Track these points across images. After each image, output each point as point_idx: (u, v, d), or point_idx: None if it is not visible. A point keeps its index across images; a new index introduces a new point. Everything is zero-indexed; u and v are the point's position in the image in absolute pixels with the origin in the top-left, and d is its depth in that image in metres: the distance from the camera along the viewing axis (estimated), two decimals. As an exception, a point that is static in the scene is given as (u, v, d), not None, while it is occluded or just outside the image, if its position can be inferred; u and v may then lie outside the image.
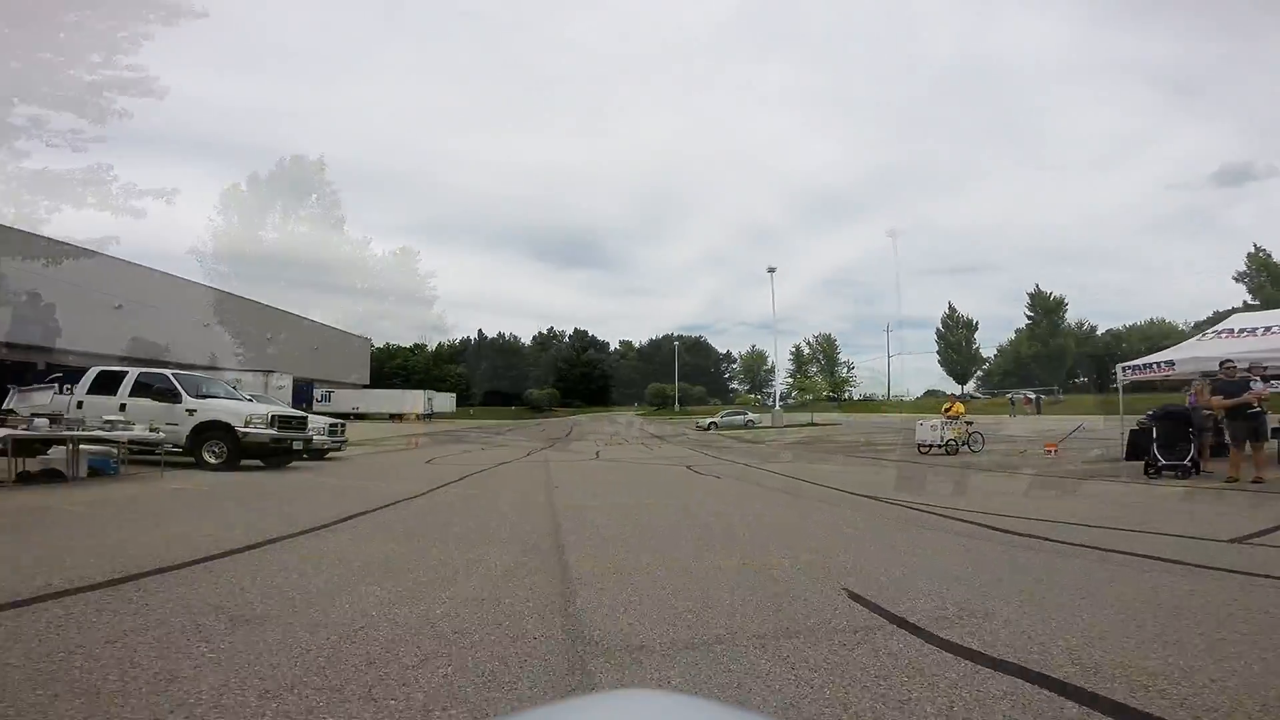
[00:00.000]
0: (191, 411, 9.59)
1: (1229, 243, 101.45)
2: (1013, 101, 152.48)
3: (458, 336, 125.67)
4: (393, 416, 52.88)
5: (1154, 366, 10.97)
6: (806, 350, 75.41)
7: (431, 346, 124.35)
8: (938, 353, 56.23)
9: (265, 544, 3.99)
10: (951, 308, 58.29)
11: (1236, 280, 41.80)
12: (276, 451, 9.88)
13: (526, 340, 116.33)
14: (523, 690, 1.82)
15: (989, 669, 1.93)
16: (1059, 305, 46.64)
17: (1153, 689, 1.76)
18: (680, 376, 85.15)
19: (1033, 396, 38.06)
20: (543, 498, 6.91)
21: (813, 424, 34.46)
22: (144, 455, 8.92)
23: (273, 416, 9.86)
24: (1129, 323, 52.33)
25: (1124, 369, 11.53)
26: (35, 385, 8.98)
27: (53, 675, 1.83)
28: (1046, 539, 4.23)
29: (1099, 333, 58.54)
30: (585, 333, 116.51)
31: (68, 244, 32.11)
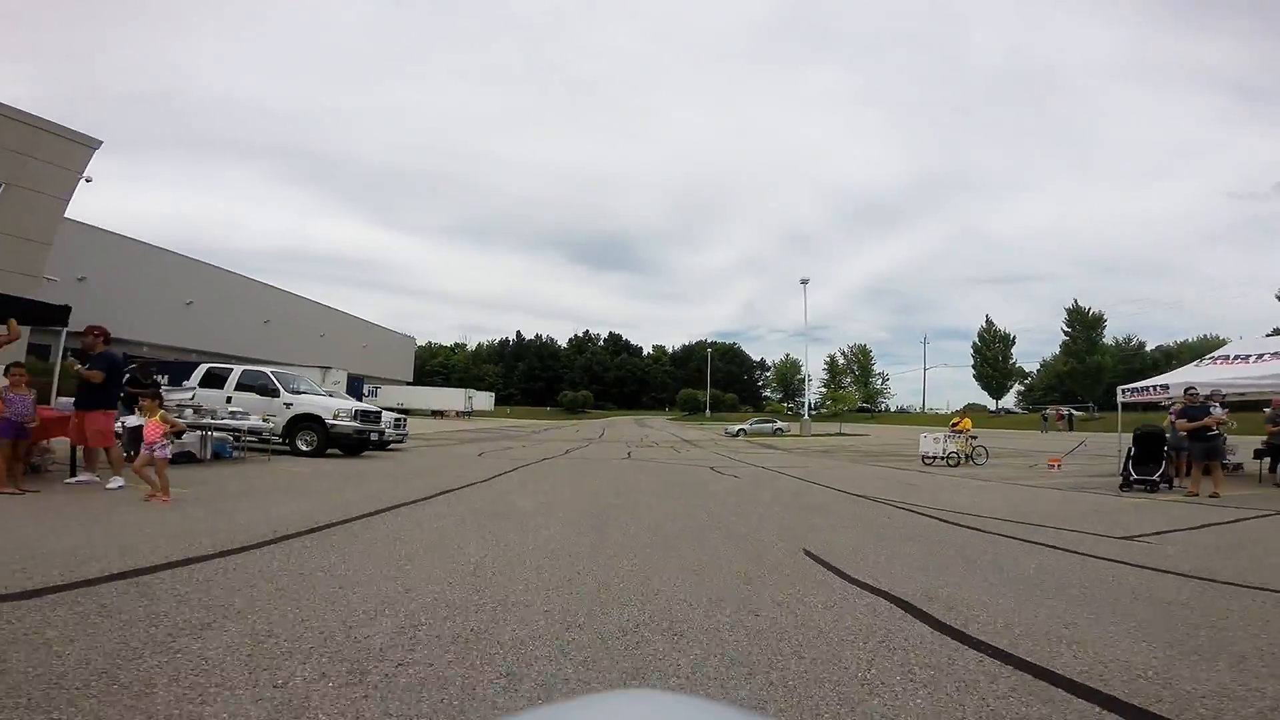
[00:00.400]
0: (288, 405, 11.40)
1: None
2: (1065, 107, 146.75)
3: (496, 337, 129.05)
4: (434, 413, 55.46)
5: (1150, 389, 11.75)
6: (841, 360, 75.37)
7: (471, 346, 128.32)
8: (973, 366, 55.77)
9: (396, 507, 5.53)
10: (989, 321, 57.74)
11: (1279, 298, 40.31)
12: (357, 442, 11.62)
13: (563, 342, 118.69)
14: (575, 588, 3.23)
15: (878, 597, 3.23)
16: (1097, 321, 45.86)
17: (979, 616, 3.04)
18: (713, 383, 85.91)
19: (1065, 413, 37.81)
20: (584, 485, 8.34)
21: (840, 434, 35.13)
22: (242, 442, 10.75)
23: (356, 411, 11.62)
24: (1181, 338, 50.98)
25: (1124, 390, 12.32)
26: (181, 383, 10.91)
27: (345, 578, 3.33)
28: (975, 527, 5.43)
29: (1148, 348, 57.06)
30: (619, 336, 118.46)
31: (143, 242, 35.06)
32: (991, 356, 53.94)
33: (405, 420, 15.25)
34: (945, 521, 5.82)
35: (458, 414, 59.74)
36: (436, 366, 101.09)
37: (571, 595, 3.00)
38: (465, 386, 74.24)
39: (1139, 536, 5.15)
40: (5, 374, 5.50)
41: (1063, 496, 8.37)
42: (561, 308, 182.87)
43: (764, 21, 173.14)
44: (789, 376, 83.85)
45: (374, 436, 11.95)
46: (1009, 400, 56.01)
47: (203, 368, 12.62)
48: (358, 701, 1.76)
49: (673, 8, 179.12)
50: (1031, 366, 58.20)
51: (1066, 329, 47.30)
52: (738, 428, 37.98)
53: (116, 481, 5.38)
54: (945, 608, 2.94)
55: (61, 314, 6.68)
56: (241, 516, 4.76)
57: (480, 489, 7.56)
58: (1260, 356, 11.02)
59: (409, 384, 69.31)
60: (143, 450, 5.35)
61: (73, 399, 5.96)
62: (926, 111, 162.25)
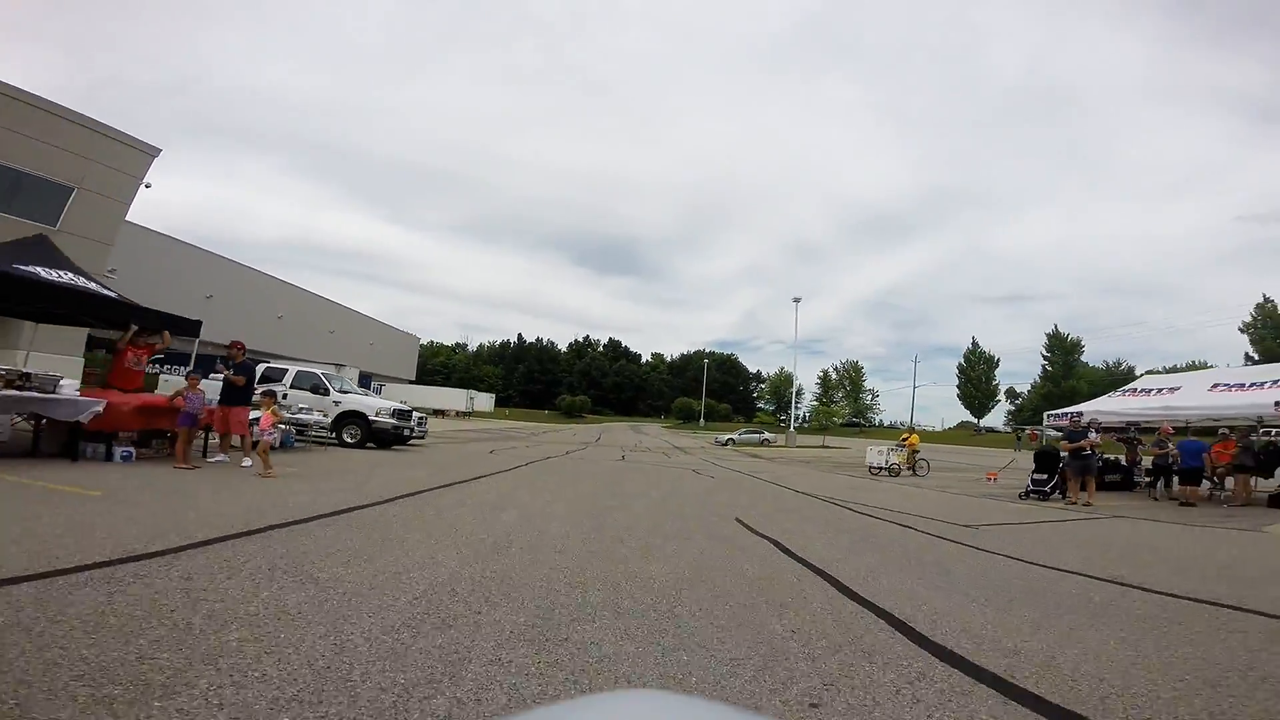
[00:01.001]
0: (337, 403, 13.48)
1: None
2: (1078, 124, 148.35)
3: (497, 338, 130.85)
4: (436, 412, 57.40)
5: (1069, 416, 13.88)
6: (834, 376, 77.61)
7: (472, 347, 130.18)
8: (957, 386, 58.10)
9: (453, 484, 7.62)
10: (975, 343, 60.14)
11: (1241, 331, 42.36)
12: (393, 437, 13.69)
13: (563, 346, 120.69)
14: (580, 534, 5.32)
15: (773, 545, 5.32)
16: (1075, 346, 48.10)
17: (850, 570, 5.14)
18: (709, 393, 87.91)
19: (1039, 433, 39.89)
20: (585, 479, 10.43)
21: (824, 446, 37.23)
22: (306, 434, 12.82)
23: (394, 410, 13.70)
24: (1173, 362, 52.90)
25: (1048, 415, 14.45)
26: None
27: (451, 519, 5.44)
28: (870, 515, 7.52)
29: (1137, 372, 59.20)
30: (619, 343, 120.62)
31: (165, 234, 36.90)
32: (975, 377, 56.27)
33: (426, 419, 17.32)
34: (851, 510, 7.92)
35: (458, 414, 61.73)
36: (438, 365, 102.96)
37: (584, 528, 5.10)
38: (465, 387, 76.29)
39: (980, 526, 7.25)
40: (185, 378, 7.58)
41: (964, 501, 10.47)
42: (563, 310, 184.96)
43: (784, 31, 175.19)
44: (782, 389, 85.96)
45: (406, 432, 14.03)
46: (998, 419, 58.28)
47: (260, 367, 14.66)
48: (491, 567, 3.85)
49: (695, 14, 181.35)
50: (1023, 386, 60.77)
51: (1045, 353, 49.64)
52: (727, 437, 40.08)
53: (248, 461, 7.41)
54: (813, 555, 5.03)
55: (195, 327, 8.75)
56: (341, 486, 6.84)
57: (509, 474, 9.65)
58: (1161, 390, 13.20)
59: (411, 382, 71.16)
60: (256, 434, 7.41)
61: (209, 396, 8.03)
62: (938, 125, 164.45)
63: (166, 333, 8.09)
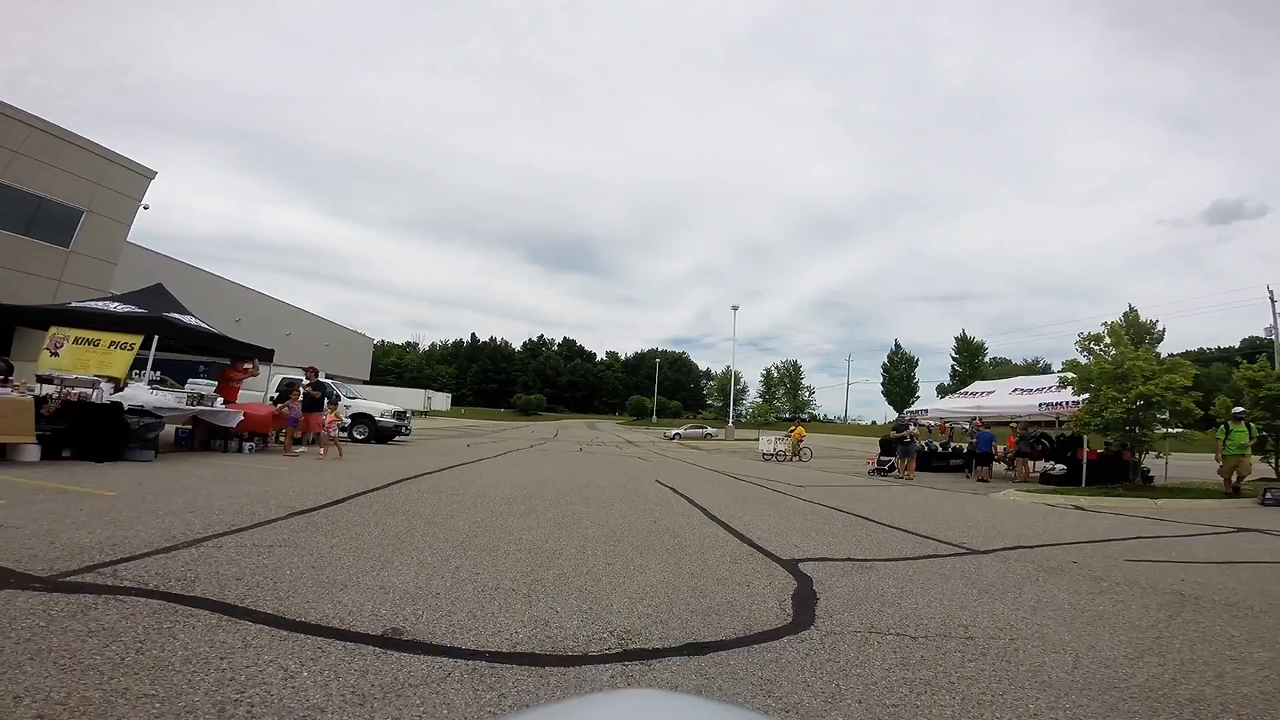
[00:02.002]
0: (347, 406, 16.64)
1: (1212, 281, 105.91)
2: (1017, 131, 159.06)
3: (450, 336, 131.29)
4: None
5: (916, 412, 18.48)
6: (776, 374, 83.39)
7: (424, 345, 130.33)
8: (882, 385, 64.77)
9: (457, 465, 11.18)
10: (897, 344, 67.12)
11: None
12: (392, 433, 16.96)
13: (517, 345, 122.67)
14: (554, 491, 9.07)
15: (673, 491, 9.19)
16: (980, 349, 54.89)
17: (719, 505, 9.06)
18: (661, 390, 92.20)
19: (949, 427, 46.05)
20: (555, 462, 14.09)
21: (756, 439, 41.87)
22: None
23: (393, 411, 16.98)
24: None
25: (907, 412, 19.03)
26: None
27: (471, 483, 9.11)
28: (749, 481, 11.54)
29: (1054, 369, 66.34)
30: (573, 342, 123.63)
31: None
32: (898, 376, 62.88)
33: (411, 417, 20.53)
34: (734, 478, 11.93)
35: (414, 413, 63.68)
36: (389, 365, 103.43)
37: (564, 485, 8.83)
38: (418, 386, 77.95)
39: (810, 487, 11.36)
40: (289, 395, 10.82)
41: (819, 474, 14.66)
42: (515, 307, 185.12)
43: (743, 35, 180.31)
44: (728, 387, 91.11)
45: (403, 430, 17.33)
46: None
47: (278, 378, 17.59)
48: (524, 494, 7.55)
49: (656, 15, 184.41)
50: (927, 387, 67.70)
51: (955, 355, 56.56)
52: (674, 432, 44.27)
53: (322, 450, 10.72)
54: (695, 495, 8.92)
55: (270, 355, 11.91)
56: (382, 468, 10.31)
57: (497, 460, 13.23)
58: (980, 394, 17.92)
59: (365, 383, 72.44)
60: (324, 432, 10.73)
61: (271, 403, 11.26)
62: (886, 130, 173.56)
63: (256, 361, 11.30)
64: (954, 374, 53.45)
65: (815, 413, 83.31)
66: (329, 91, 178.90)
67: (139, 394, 8.12)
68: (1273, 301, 46.17)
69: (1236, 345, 68.99)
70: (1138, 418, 11.08)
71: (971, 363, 53.54)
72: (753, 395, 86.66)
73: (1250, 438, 10.81)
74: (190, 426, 9.59)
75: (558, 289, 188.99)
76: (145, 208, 24.78)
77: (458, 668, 2.10)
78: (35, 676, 1.80)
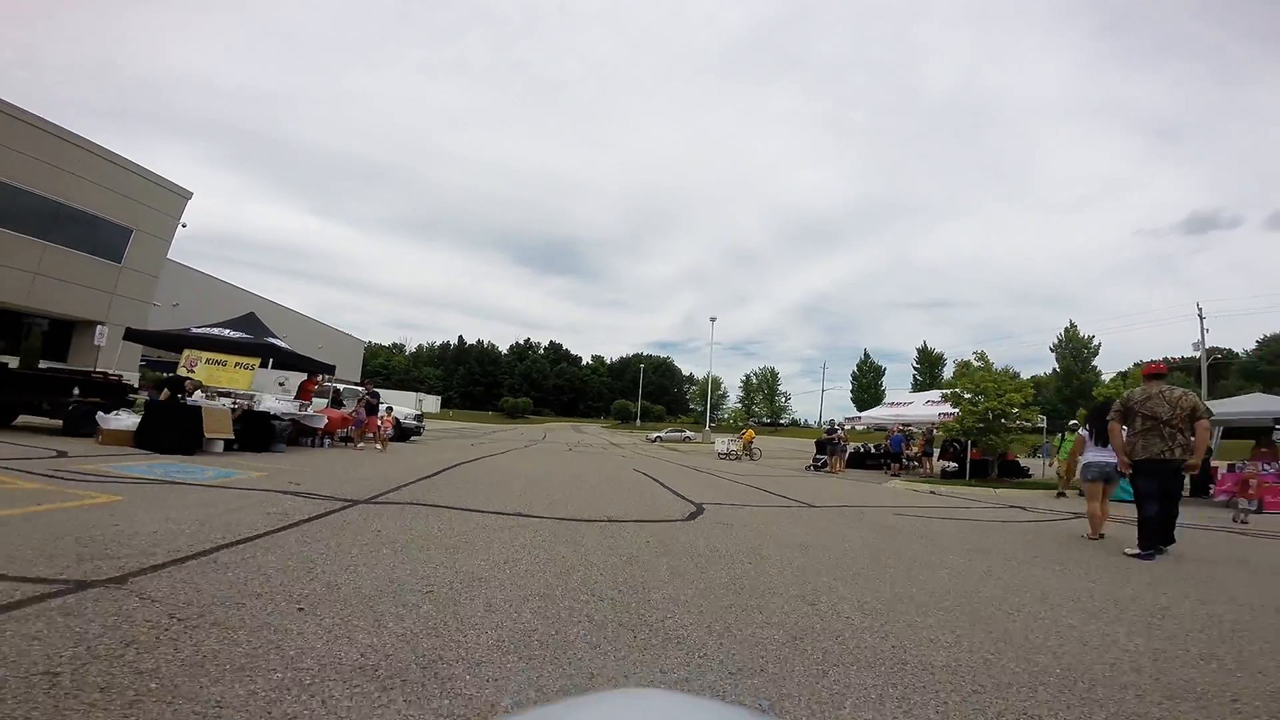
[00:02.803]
0: (390, 410, 19.96)
1: (1187, 290, 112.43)
2: (1002, 140, 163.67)
3: (436, 339, 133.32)
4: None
5: (854, 418, 22.28)
6: (755, 381, 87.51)
7: (411, 347, 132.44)
8: (851, 392, 69.33)
9: (480, 459, 14.65)
10: (866, 354, 71.89)
11: (1051, 350, 54.28)
12: (411, 433, 20.33)
13: (504, 348, 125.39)
14: (561, 475, 12.61)
15: (648, 478, 12.76)
16: (939, 360, 59.31)
17: (681, 486, 12.65)
18: (645, 395, 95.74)
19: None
20: (550, 458, 17.56)
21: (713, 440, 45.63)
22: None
23: (415, 415, 20.36)
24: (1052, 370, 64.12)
25: (845, 417, 22.82)
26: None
27: (501, 469, 12.64)
28: (704, 471, 15.16)
29: (1023, 376, 71.07)
30: (559, 346, 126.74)
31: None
32: (866, 384, 67.31)
33: (423, 420, 23.89)
34: (696, 469, 15.54)
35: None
36: (377, 367, 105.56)
37: (564, 472, 12.34)
38: (406, 388, 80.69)
39: (741, 475, 15.00)
40: (358, 402, 14.18)
41: (763, 469, 18.34)
42: (501, 309, 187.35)
43: (737, 40, 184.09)
44: (710, 392, 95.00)
45: (421, 430, 20.72)
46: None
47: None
48: (540, 473, 11.06)
49: (651, 19, 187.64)
50: (892, 394, 72.12)
51: (916, 365, 60.98)
52: (655, 435, 47.89)
53: (378, 446, 14.08)
54: (662, 478, 12.48)
55: (332, 369, 15.24)
56: (428, 459, 13.72)
57: (505, 455, 16.67)
58: (902, 404, 21.77)
59: (358, 385, 74.81)
60: (380, 431, 14.11)
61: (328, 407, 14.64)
62: (874, 137, 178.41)
63: (322, 375, 14.64)
64: (915, 383, 57.73)
65: (796, 417, 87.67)
66: (320, 90, 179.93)
67: (270, 403, 11.46)
68: (1201, 318, 51.15)
69: (1193, 355, 73.79)
70: (991, 425, 14.87)
71: (931, 372, 57.95)
72: (733, 400, 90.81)
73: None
74: (290, 427, 12.93)
75: (544, 291, 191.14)
76: (183, 225, 27.85)
77: (547, 523, 5.62)
78: (393, 529, 5.28)
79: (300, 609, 2.47)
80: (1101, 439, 6.39)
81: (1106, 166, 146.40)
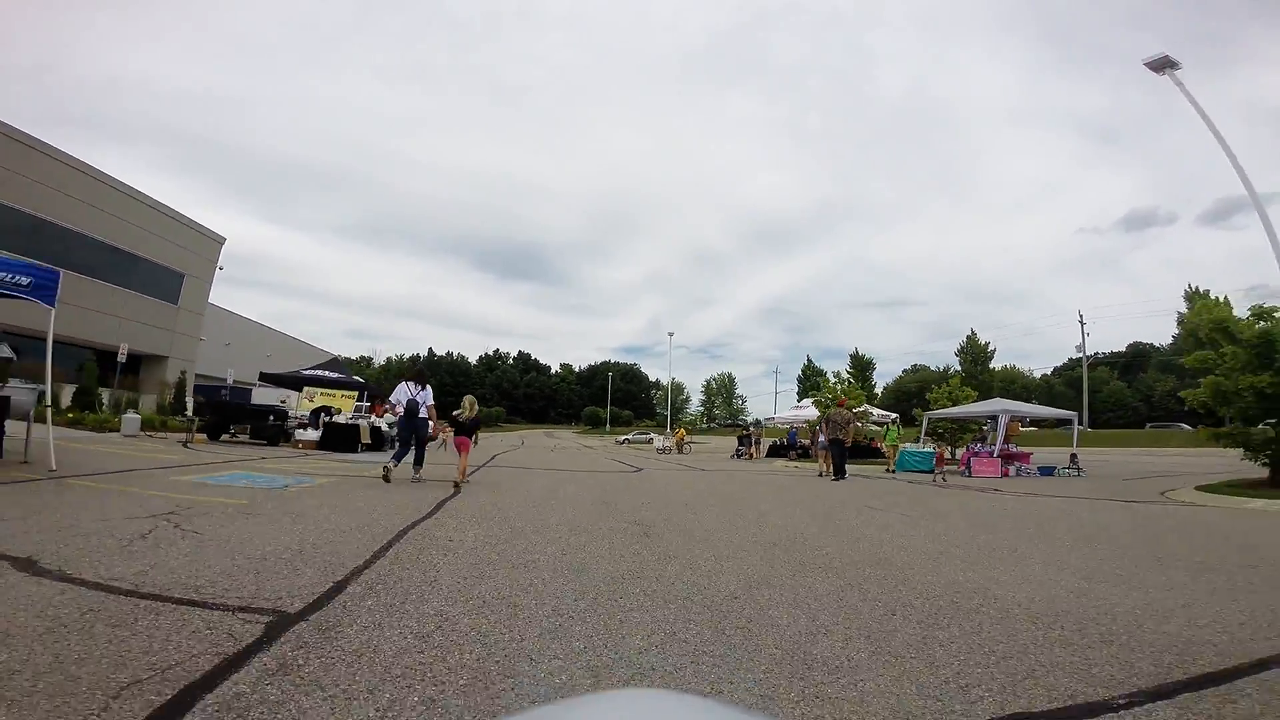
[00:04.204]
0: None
1: (1125, 286, 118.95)
2: (951, 143, 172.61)
3: (399, 349, 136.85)
4: (371, 425, 67.36)
5: (769, 419, 29.88)
6: (715, 385, 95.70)
7: (379, 359, 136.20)
8: (798, 394, 77.94)
9: (501, 454, 21.56)
10: (809, 359, 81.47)
11: (955, 355, 63.31)
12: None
13: (473, 359, 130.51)
14: (559, 461, 19.65)
15: (619, 461, 19.87)
16: (870, 364, 68.08)
17: (633, 464, 19.81)
18: (614, 400, 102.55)
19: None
20: (543, 456, 24.44)
21: (690, 442, 53.08)
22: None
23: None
24: (994, 366, 71.94)
25: (773, 416, 30.39)
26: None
27: (527, 462, 19.66)
28: (647, 458, 22.37)
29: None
30: (529, 355, 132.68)
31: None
32: (809, 387, 75.89)
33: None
34: (645, 458, 22.73)
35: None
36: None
37: (561, 462, 19.34)
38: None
39: (675, 460, 22.27)
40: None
41: (690, 459, 25.62)
42: (464, 316, 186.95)
43: (697, 47, 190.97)
44: (675, 397, 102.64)
45: (441, 438, 27.38)
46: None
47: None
48: (557, 463, 18.06)
49: (612, 25, 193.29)
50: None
51: (849, 370, 69.50)
52: (623, 438, 55.04)
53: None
54: (620, 459, 19.59)
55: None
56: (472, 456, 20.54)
57: (509, 454, 23.54)
58: (803, 407, 29.45)
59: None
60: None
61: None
62: (830, 141, 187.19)
63: (391, 402, 21.25)
64: (848, 389, 66.42)
65: (759, 417, 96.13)
66: (270, 93, 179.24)
67: (379, 422, 18.09)
68: (1081, 323, 60.80)
69: (1123, 350, 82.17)
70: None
71: (863, 375, 66.42)
72: (696, 403, 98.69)
73: (899, 435, 22.28)
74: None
75: (508, 297, 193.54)
76: (220, 268, 33.75)
77: (578, 475, 12.63)
78: (510, 481, 12.23)
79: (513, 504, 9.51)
80: (830, 432, 13.83)
81: (1047, 168, 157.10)
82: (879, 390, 65.65)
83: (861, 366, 62.43)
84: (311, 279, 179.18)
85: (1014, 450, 18.19)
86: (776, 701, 2.10)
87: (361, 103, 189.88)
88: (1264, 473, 10.75)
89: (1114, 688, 2.26)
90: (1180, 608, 3.42)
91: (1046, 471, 17.63)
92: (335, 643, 2.43)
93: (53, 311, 7.51)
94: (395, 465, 8.79)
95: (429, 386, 9.40)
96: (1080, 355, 57.53)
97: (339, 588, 3.25)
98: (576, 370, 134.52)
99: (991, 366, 57.11)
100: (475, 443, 10.20)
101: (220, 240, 34.05)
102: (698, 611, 3.11)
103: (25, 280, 7.32)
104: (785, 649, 2.61)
